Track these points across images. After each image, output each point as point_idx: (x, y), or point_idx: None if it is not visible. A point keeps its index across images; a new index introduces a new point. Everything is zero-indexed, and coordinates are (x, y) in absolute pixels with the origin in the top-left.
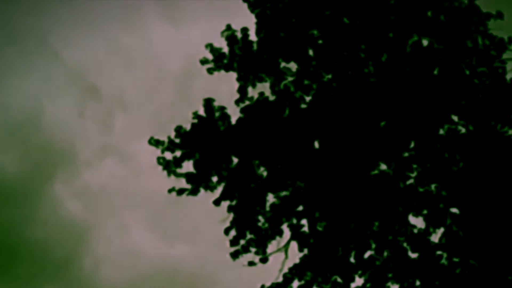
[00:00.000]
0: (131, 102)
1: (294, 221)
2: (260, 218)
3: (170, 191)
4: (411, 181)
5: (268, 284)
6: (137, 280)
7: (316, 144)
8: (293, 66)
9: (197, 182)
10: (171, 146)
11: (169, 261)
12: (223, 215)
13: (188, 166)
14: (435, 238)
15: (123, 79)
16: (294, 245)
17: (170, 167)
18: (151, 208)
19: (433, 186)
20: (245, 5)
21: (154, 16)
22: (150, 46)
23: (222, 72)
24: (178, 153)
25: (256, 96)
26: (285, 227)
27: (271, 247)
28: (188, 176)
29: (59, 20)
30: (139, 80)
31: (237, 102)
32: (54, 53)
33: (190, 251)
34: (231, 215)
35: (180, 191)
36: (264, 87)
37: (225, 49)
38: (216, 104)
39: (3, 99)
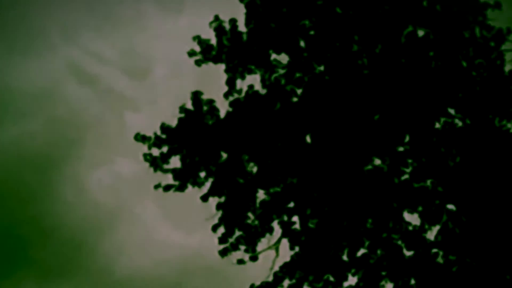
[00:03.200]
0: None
1: (285, 218)
2: (250, 215)
3: (156, 187)
4: (406, 176)
5: (258, 283)
6: (156, 268)
7: (308, 139)
8: (284, 58)
9: (185, 178)
10: (157, 141)
11: (188, 250)
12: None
13: (175, 162)
14: (430, 235)
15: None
16: (285, 242)
17: (156, 163)
18: (171, 197)
19: (428, 182)
20: None
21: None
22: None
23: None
24: (165, 149)
25: (245, 88)
26: (275, 224)
27: (261, 245)
28: (175, 172)
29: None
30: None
31: (226, 95)
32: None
33: (209, 240)
34: (220, 212)
35: (167, 187)
36: (254, 80)
37: (214, 41)
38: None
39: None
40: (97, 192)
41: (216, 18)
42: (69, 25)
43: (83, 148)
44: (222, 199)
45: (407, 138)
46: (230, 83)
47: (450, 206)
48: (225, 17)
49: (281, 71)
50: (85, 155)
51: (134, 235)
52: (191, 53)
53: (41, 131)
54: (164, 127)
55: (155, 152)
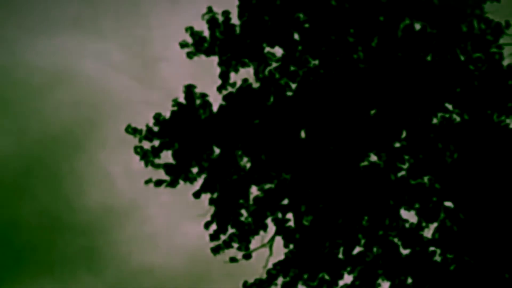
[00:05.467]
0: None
1: (279, 215)
2: (243, 212)
3: (146, 182)
4: (402, 173)
5: (251, 280)
6: (174, 259)
7: (303, 134)
8: (278, 51)
9: (176, 174)
10: (149, 135)
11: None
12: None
13: (167, 156)
14: (428, 233)
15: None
16: (279, 240)
17: (148, 157)
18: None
19: (426, 179)
20: None
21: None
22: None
23: None
24: (156, 143)
25: (239, 82)
26: (269, 222)
27: (254, 242)
28: (166, 167)
29: None
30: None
31: (219, 88)
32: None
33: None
34: (212, 209)
35: (158, 183)
36: (248, 73)
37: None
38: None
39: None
40: (117, 180)
41: (209, 10)
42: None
43: (104, 133)
44: (215, 195)
45: (403, 134)
46: (223, 76)
47: (448, 203)
48: (218, 9)
49: (275, 64)
50: (106, 141)
51: (151, 225)
52: (183, 45)
53: (60, 110)
54: (157, 119)
55: (147, 145)
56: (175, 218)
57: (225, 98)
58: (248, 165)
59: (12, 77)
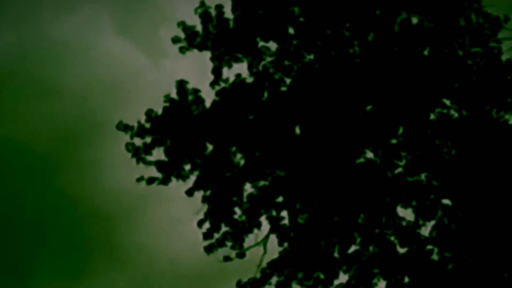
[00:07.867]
0: None
1: (274, 213)
2: (237, 209)
3: (138, 180)
4: (399, 170)
5: (245, 279)
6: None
7: (297, 130)
8: (272, 45)
9: (169, 171)
10: (140, 131)
11: None
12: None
13: (159, 153)
14: (425, 231)
15: None
16: (273, 238)
17: (139, 154)
18: None
19: (423, 176)
20: None
21: None
22: None
23: None
24: (148, 139)
25: (232, 77)
26: (263, 220)
27: (248, 241)
28: (158, 164)
29: None
30: None
31: (212, 84)
32: None
33: None
34: (205, 207)
35: (150, 180)
36: (241, 69)
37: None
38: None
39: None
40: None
41: (202, 3)
42: None
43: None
44: (208, 193)
45: (400, 130)
46: (216, 72)
47: (446, 201)
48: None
49: (269, 59)
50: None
51: (174, 212)
52: (175, 40)
53: (83, 89)
54: (149, 115)
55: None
56: (198, 206)
57: (218, 93)
58: (242, 162)
59: (35, 53)
